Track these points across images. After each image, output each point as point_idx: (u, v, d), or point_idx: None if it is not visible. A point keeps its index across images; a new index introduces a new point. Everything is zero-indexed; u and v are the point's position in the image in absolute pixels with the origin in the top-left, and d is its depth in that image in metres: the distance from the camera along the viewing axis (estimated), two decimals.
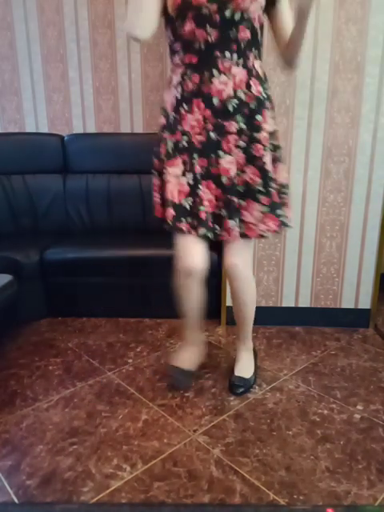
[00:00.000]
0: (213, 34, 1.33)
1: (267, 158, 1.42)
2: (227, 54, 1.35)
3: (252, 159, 1.41)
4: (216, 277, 2.17)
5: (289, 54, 1.44)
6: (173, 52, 1.43)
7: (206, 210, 1.44)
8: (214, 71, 1.35)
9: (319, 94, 1.92)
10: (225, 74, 1.36)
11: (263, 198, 1.43)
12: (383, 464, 1.32)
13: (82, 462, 1.34)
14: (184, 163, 1.44)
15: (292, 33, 1.37)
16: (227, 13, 1.30)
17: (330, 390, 1.69)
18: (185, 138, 1.43)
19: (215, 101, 1.37)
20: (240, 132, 1.40)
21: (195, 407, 1.58)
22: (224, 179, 1.42)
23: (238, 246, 1.50)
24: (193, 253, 1.48)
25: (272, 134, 1.44)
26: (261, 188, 1.42)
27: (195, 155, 1.42)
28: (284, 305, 2.19)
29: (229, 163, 1.41)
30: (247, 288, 1.58)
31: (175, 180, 1.44)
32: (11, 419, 1.53)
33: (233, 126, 1.39)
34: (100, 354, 1.96)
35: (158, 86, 2.56)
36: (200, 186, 1.43)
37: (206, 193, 1.43)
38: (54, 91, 2.66)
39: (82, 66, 2.59)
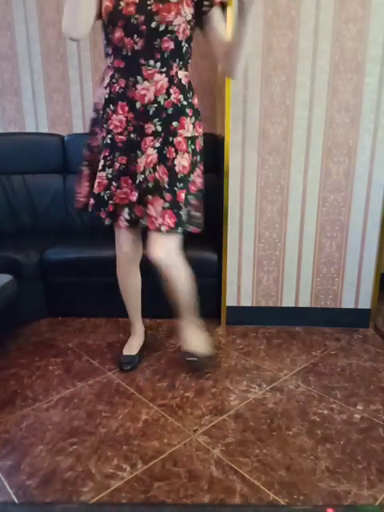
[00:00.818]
0: (139, 43, 1.44)
1: (180, 160, 1.52)
2: (151, 62, 1.46)
3: (164, 159, 1.51)
4: (216, 277, 2.17)
5: (228, 65, 1.52)
6: (106, 54, 1.56)
7: (114, 203, 1.59)
8: (139, 78, 1.47)
9: (319, 94, 1.92)
10: (148, 80, 1.47)
11: (167, 195, 1.52)
12: (383, 464, 1.32)
13: (81, 462, 1.34)
14: (104, 159, 1.58)
15: (232, 41, 1.44)
16: (153, 24, 1.41)
17: (330, 389, 1.69)
18: (109, 135, 1.56)
19: (138, 105, 1.49)
20: (156, 134, 1.51)
21: (195, 407, 1.58)
22: (138, 176, 1.53)
23: (156, 236, 1.56)
24: (124, 242, 1.70)
25: (191, 139, 1.55)
26: (166, 186, 1.52)
27: (116, 153, 1.56)
28: (284, 305, 2.19)
29: (142, 162, 1.52)
30: (173, 274, 1.62)
31: (98, 173, 1.60)
32: (11, 419, 1.53)
33: (150, 128, 1.51)
34: (100, 353, 1.96)
35: None
36: (114, 182, 1.57)
37: (123, 187, 1.57)
38: (54, 91, 2.66)
39: (81, 66, 2.59)
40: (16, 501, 1.20)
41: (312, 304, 2.18)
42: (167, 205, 1.52)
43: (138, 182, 1.53)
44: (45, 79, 2.64)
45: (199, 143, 1.60)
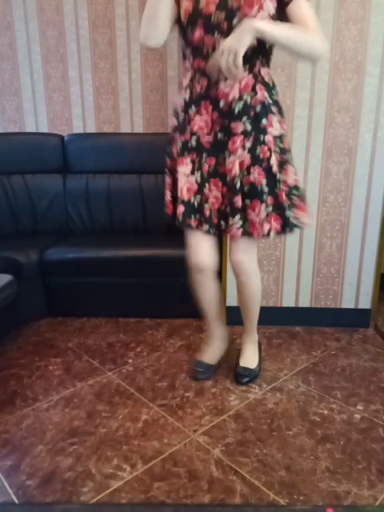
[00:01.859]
0: (220, 41, 1.36)
1: (273, 160, 1.46)
2: None
3: (257, 160, 1.46)
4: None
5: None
6: (184, 57, 1.51)
7: (210, 207, 1.53)
8: (221, 75, 1.40)
9: (319, 94, 1.92)
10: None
11: (268, 198, 1.48)
12: (383, 464, 1.32)
13: (81, 462, 1.34)
14: (193, 162, 1.52)
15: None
16: (235, 21, 1.35)
17: (330, 389, 1.69)
18: (194, 138, 1.50)
19: (222, 103, 1.44)
20: (246, 133, 1.45)
21: (195, 407, 1.58)
22: (228, 178, 1.48)
23: (244, 243, 1.56)
24: (200, 249, 1.58)
25: (279, 138, 1.49)
26: (266, 188, 1.47)
27: (204, 155, 1.50)
28: (284, 305, 2.19)
29: (233, 163, 1.46)
30: (252, 282, 1.64)
31: (185, 178, 1.53)
32: (11, 419, 1.53)
33: (239, 128, 1.45)
34: (100, 353, 1.96)
35: (158, 85, 2.56)
36: (206, 184, 1.52)
37: (213, 190, 1.52)
38: (53, 91, 2.66)
39: (82, 66, 2.59)
40: (16, 501, 1.20)
41: (312, 304, 2.18)
42: (271, 208, 1.48)
43: (238, 186, 1.47)
44: (45, 79, 2.64)
45: (286, 141, 1.53)
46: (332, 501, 1.20)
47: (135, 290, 2.27)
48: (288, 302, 2.19)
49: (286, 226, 1.51)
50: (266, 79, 1.47)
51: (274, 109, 1.48)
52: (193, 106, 1.48)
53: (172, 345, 2.03)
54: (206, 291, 1.67)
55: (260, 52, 1.42)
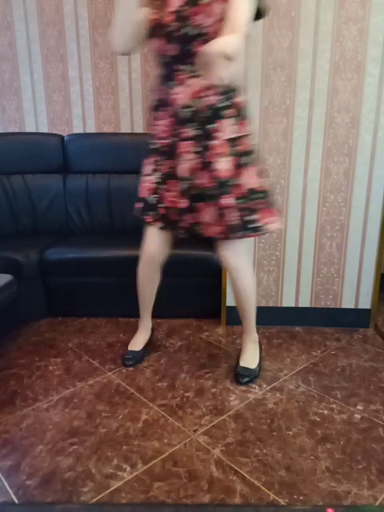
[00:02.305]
0: (175, 49, 1.47)
1: (220, 165, 1.49)
2: (184, 66, 1.47)
3: (206, 165, 1.50)
4: (216, 277, 2.17)
5: None
6: (155, 64, 1.60)
7: (165, 206, 1.61)
8: (173, 83, 1.49)
9: (319, 94, 1.92)
10: (181, 84, 1.48)
11: (214, 202, 1.51)
12: (383, 464, 1.32)
13: (82, 462, 1.34)
14: (155, 163, 1.61)
15: None
16: (185, 29, 1.43)
17: (330, 389, 1.69)
18: (156, 141, 1.60)
19: (174, 109, 1.51)
20: (194, 138, 1.50)
21: (195, 407, 1.58)
22: (181, 183, 1.55)
23: (224, 240, 1.58)
24: (151, 242, 1.71)
25: (234, 141, 1.50)
26: (212, 192, 1.50)
27: (163, 157, 1.59)
28: (284, 305, 2.19)
29: (182, 166, 1.52)
30: (241, 278, 1.66)
31: (146, 177, 1.64)
32: (11, 419, 1.53)
33: (188, 133, 1.50)
34: (100, 353, 1.96)
35: None
36: (163, 186, 1.60)
37: (171, 191, 1.58)
38: (53, 91, 2.66)
39: (81, 66, 2.59)
40: (16, 501, 1.20)
41: (312, 304, 2.18)
42: (217, 212, 1.52)
43: (182, 188, 1.54)
44: (45, 79, 2.64)
45: (245, 143, 1.52)
46: (332, 501, 1.20)
47: (135, 290, 2.26)
48: (288, 301, 2.19)
49: (230, 231, 1.51)
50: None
51: (227, 112, 1.49)
52: (156, 111, 1.58)
53: (172, 345, 2.03)
54: (149, 280, 1.81)
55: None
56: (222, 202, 1.50)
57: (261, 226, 1.55)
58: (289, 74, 1.90)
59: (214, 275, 2.18)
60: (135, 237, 2.43)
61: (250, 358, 1.79)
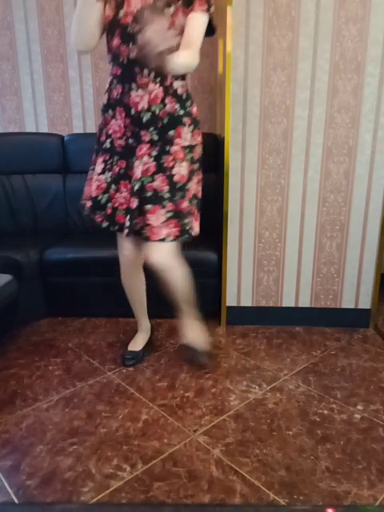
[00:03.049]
0: (134, 52, 1.46)
1: (177, 170, 1.53)
2: (145, 71, 1.48)
3: (162, 169, 1.53)
4: (216, 277, 2.17)
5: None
6: (108, 61, 1.59)
7: (112, 206, 1.62)
8: (133, 85, 1.49)
9: (319, 94, 1.92)
10: (141, 88, 1.49)
11: (169, 205, 1.54)
12: (383, 464, 1.32)
13: (82, 461, 1.34)
14: (105, 162, 1.61)
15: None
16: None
17: (330, 389, 1.69)
18: (108, 140, 1.59)
19: (132, 111, 1.51)
20: (152, 142, 1.53)
21: (195, 407, 1.58)
22: (133, 182, 1.55)
23: (156, 244, 1.57)
24: (123, 245, 1.73)
25: (189, 148, 1.56)
26: (167, 195, 1.53)
27: (115, 157, 1.59)
28: (284, 305, 2.19)
29: (138, 168, 1.53)
30: (171, 274, 1.63)
31: (96, 176, 1.63)
32: (11, 419, 1.53)
33: (146, 136, 1.53)
34: (100, 354, 1.96)
35: None
36: (114, 185, 1.60)
37: (122, 192, 1.60)
38: (53, 91, 2.66)
39: (81, 66, 2.59)
40: (16, 501, 1.20)
41: (312, 304, 2.18)
42: (171, 214, 1.54)
43: (135, 189, 1.54)
44: (45, 79, 2.64)
45: (198, 151, 1.61)
46: (332, 501, 1.20)
47: None
48: (288, 301, 2.19)
49: (182, 233, 1.57)
50: (179, 92, 1.53)
51: (185, 120, 1.54)
52: (109, 110, 1.57)
53: (172, 345, 2.03)
54: (134, 283, 1.83)
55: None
56: (180, 205, 1.54)
57: (191, 231, 1.62)
58: (289, 74, 1.90)
59: (213, 275, 2.18)
60: None
61: (197, 336, 1.80)
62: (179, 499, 1.20)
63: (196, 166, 1.61)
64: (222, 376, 1.77)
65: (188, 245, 1.79)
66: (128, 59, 1.49)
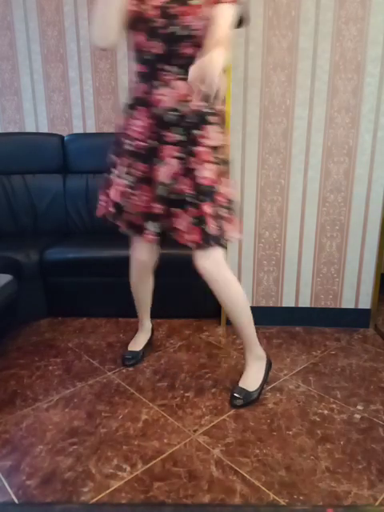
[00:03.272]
0: (159, 48, 1.39)
1: (203, 172, 1.43)
2: (171, 67, 1.40)
3: (186, 171, 1.44)
4: None
5: None
6: (132, 59, 1.51)
7: (133, 211, 1.54)
8: (157, 83, 1.42)
9: (319, 94, 1.92)
10: (166, 86, 1.41)
11: (192, 209, 1.45)
12: (383, 464, 1.32)
13: (82, 462, 1.34)
14: (125, 166, 1.53)
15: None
16: (172, 28, 1.36)
17: (330, 390, 1.68)
18: (129, 141, 1.50)
19: (156, 111, 1.43)
20: (178, 143, 1.44)
21: (195, 407, 1.58)
22: (156, 185, 1.47)
23: (201, 249, 1.49)
24: (137, 248, 1.71)
25: (216, 149, 1.46)
26: (190, 199, 1.44)
27: (137, 159, 1.50)
28: (284, 305, 2.19)
29: (161, 171, 1.45)
30: (223, 290, 1.54)
31: (117, 180, 1.56)
32: (11, 419, 1.53)
33: (171, 137, 1.44)
34: (100, 353, 1.96)
35: None
36: (134, 190, 1.52)
37: (141, 195, 1.51)
38: (53, 91, 2.66)
39: (81, 66, 2.59)
40: (16, 501, 1.20)
41: (312, 304, 2.18)
42: (192, 219, 1.45)
43: (159, 193, 1.47)
44: (45, 79, 2.64)
45: (225, 152, 1.51)
46: (332, 501, 1.20)
47: None
48: (288, 302, 2.19)
49: (205, 240, 1.45)
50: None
51: (212, 119, 1.44)
52: (131, 110, 1.49)
53: (172, 345, 2.03)
54: (141, 283, 1.81)
55: None
56: (203, 209, 1.43)
57: (225, 237, 1.52)
58: (289, 74, 1.90)
59: None
60: None
61: (250, 379, 1.63)
62: (179, 499, 1.20)
63: (225, 167, 1.50)
64: (222, 376, 1.77)
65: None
66: (153, 56, 1.40)
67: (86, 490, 1.24)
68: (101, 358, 1.92)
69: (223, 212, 1.48)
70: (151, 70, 1.43)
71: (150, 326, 1.98)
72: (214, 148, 1.45)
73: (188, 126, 1.43)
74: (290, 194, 2.04)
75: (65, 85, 2.64)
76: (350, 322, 2.18)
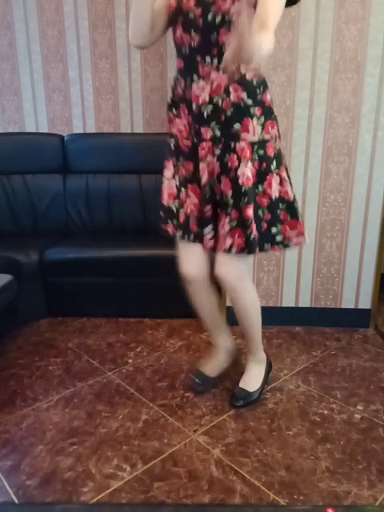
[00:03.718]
0: (196, 39, 1.31)
1: (243, 170, 1.34)
2: (207, 58, 1.30)
3: (226, 169, 1.36)
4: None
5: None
6: (176, 56, 1.43)
7: (185, 212, 1.45)
8: (194, 76, 1.33)
9: (319, 94, 1.92)
10: (203, 79, 1.32)
11: (233, 212, 1.36)
12: (383, 464, 1.32)
13: (82, 461, 1.34)
14: (173, 166, 1.46)
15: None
16: (209, 16, 1.27)
17: (330, 390, 1.68)
18: (173, 141, 1.44)
19: (194, 106, 1.34)
20: (214, 139, 1.35)
21: (195, 407, 1.58)
22: (203, 188, 1.40)
23: (224, 256, 1.42)
24: (187, 261, 1.52)
25: (259, 144, 1.35)
26: (231, 200, 1.36)
27: (182, 159, 1.43)
28: (284, 305, 2.19)
29: (203, 170, 1.38)
30: (240, 298, 1.50)
31: (166, 182, 1.48)
32: (11, 419, 1.53)
33: (207, 133, 1.35)
34: (100, 353, 1.96)
35: (157, 85, 2.56)
36: (183, 190, 1.45)
37: (191, 196, 1.44)
38: (53, 91, 2.65)
39: (81, 66, 2.59)
40: (16, 501, 1.20)
41: (312, 304, 2.18)
42: (235, 223, 1.36)
43: (206, 195, 1.40)
44: (45, 79, 2.64)
45: (272, 146, 1.38)
46: (332, 501, 1.20)
47: (135, 290, 2.26)
48: (288, 302, 2.19)
49: (248, 244, 1.37)
50: (248, 77, 1.31)
51: (255, 111, 1.33)
52: (174, 109, 1.41)
53: (172, 345, 2.03)
54: (200, 301, 1.60)
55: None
56: (245, 213, 1.34)
57: (283, 240, 1.43)
58: (289, 74, 1.90)
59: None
60: (135, 237, 2.44)
61: (251, 380, 1.63)
62: (179, 499, 1.20)
63: (270, 163, 1.38)
64: (222, 376, 1.77)
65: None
66: (190, 48, 1.32)
67: (85, 489, 1.24)
68: (101, 358, 1.92)
69: (270, 214, 1.40)
70: (190, 63, 1.34)
71: (229, 344, 1.73)
72: (256, 143, 1.35)
73: (226, 120, 1.33)
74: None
75: (65, 85, 2.64)
76: (350, 321, 2.18)
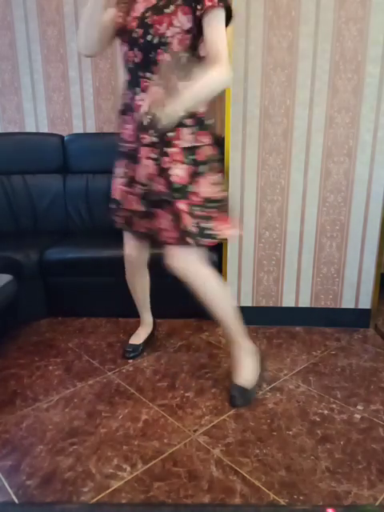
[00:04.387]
0: (138, 56, 1.47)
1: (175, 171, 1.49)
2: (148, 74, 1.47)
3: (161, 171, 1.51)
4: None
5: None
6: (123, 69, 1.60)
7: (128, 208, 1.64)
8: (138, 89, 1.50)
9: (319, 94, 1.92)
10: (144, 91, 1.49)
11: (169, 208, 1.51)
12: (383, 464, 1.32)
13: (82, 461, 1.34)
14: (121, 166, 1.65)
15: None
16: (148, 37, 1.43)
17: (331, 389, 1.69)
18: (123, 144, 1.62)
19: (136, 116, 1.52)
20: (152, 144, 1.51)
21: (195, 407, 1.58)
22: (135, 185, 1.59)
23: (169, 248, 1.56)
24: (128, 244, 1.79)
25: (190, 149, 1.50)
26: (166, 198, 1.51)
27: (128, 161, 1.61)
28: (284, 305, 2.19)
29: (140, 171, 1.56)
30: (197, 287, 1.55)
31: (116, 180, 1.68)
32: (11, 419, 1.53)
33: (146, 139, 1.52)
34: (100, 353, 1.96)
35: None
36: (129, 189, 1.62)
37: (134, 194, 1.61)
38: (53, 91, 2.65)
39: (81, 65, 2.59)
40: (16, 501, 1.20)
41: (312, 304, 2.18)
42: (171, 217, 1.52)
43: (141, 193, 1.58)
44: (45, 79, 2.64)
45: (203, 153, 1.53)
46: (332, 501, 1.20)
47: None
48: (288, 302, 2.19)
49: (183, 237, 1.49)
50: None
51: (186, 121, 1.48)
52: (123, 116, 1.59)
53: (172, 345, 2.03)
54: (136, 281, 1.87)
55: (175, 66, 1.47)
56: (177, 206, 1.48)
57: (215, 234, 1.53)
58: (289, 74, 1.90)
59: None
60: None
61: (244, 373, 1.62)
62: (179, 499, 1.20)
63: (202, 167, 1.52)
64: (222, 376, 1.77)
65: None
66: (134, 64, 1.49)
67: (85, 489, 1.24)
68: (101, 358, 1.92)
69: (203, 211, 1.51)
70: (134, 77, 1.51)
71: (151, 320, 2.02)
72: (188, 149, 1.51)
73: (162, 129, 1.46)
74: (290, 194, 2.04)
75: (65, 85, 2.64)
76: (349, 322, 2.18)
